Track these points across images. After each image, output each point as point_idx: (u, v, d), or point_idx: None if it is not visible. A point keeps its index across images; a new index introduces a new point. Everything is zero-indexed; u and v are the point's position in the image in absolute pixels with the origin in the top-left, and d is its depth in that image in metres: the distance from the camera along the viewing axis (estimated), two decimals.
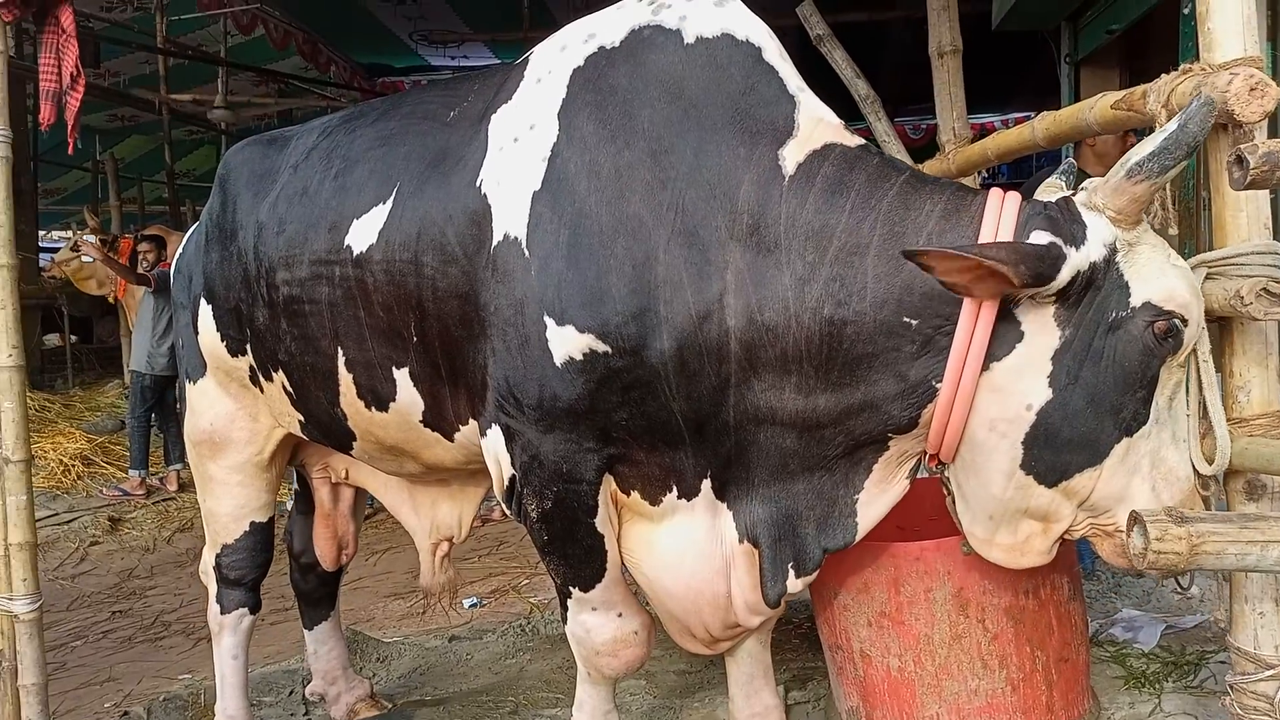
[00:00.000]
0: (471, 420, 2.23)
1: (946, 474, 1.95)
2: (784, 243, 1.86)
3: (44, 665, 3.12)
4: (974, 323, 1.73)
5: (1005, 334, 1.74)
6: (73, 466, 7.49)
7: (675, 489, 2.08)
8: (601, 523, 2.12)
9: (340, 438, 2.59)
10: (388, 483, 2.88)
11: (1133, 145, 1.68)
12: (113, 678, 4.31)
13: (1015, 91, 11.44)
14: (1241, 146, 1.60)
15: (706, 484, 2.07)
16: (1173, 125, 1.61)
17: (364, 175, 2.33)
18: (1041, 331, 1.73)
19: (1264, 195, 1.78)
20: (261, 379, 2.66)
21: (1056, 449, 1.76)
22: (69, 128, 3.10)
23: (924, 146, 10.04)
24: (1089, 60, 6.51)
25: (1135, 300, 1.70)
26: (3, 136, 3.00)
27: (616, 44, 2.05)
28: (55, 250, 11.17)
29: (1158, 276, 1.70)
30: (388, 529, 5.95)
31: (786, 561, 2.07)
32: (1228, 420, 1.77)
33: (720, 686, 2.64)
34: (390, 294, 2.20)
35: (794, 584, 2.08)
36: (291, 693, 3.56)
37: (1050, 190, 1.98)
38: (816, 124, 1.94)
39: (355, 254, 2.26)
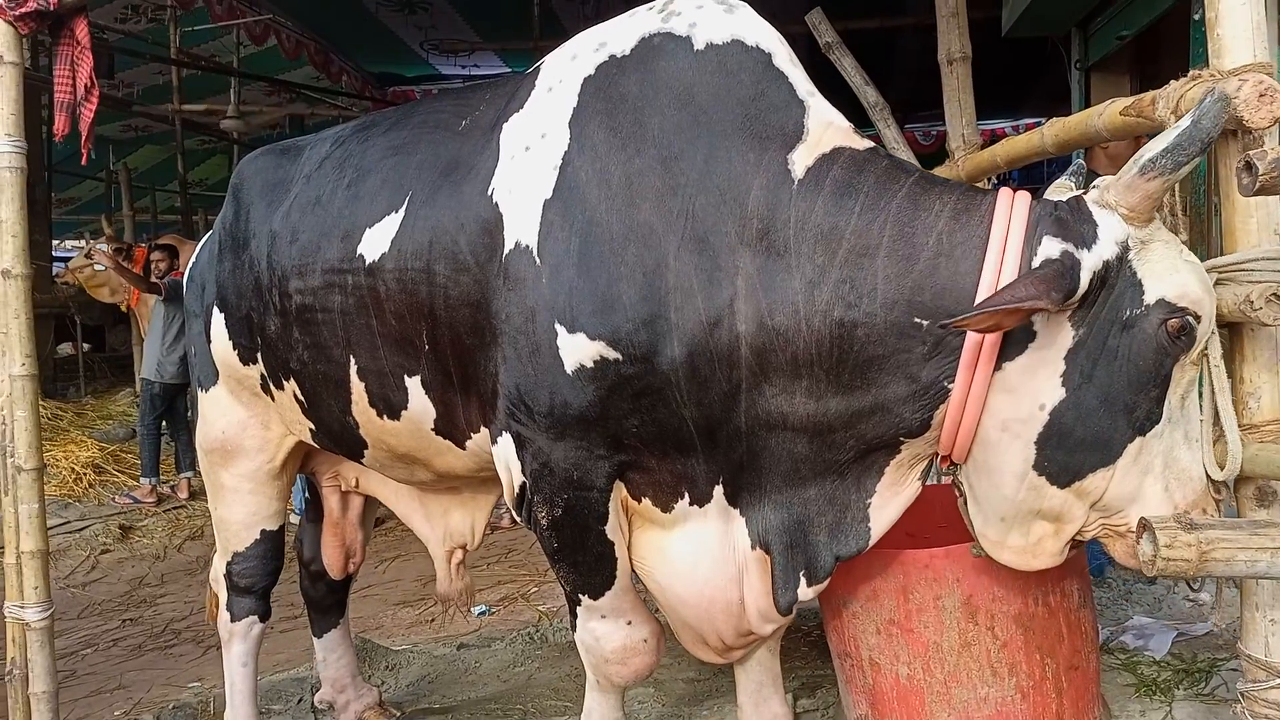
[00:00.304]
0: (483, 428, 2.24)
1: (958, 475, 1.95)
2: (794, 246, 1.86)
3: (55, 673, 3.14)
4: None
5: (1017, 334, 1.73)
6: (84, 474, 7.53)
7: (687, 496, 2.08)
8: (612, 530, 2.12)
9: (351, 446, 2.60)
10: (399, 491, 2.89)
11: (1145, 145, 1.68)
12: (123, 685, 4.33)
13: (1027, 97, 11.43)
14: (1250, 153, 1.61)
15: (718, 490, 2.07)
16: (1186, 121, 1.60)
17: (377, 184, 2.34)
18: (1054, 331, 1.72)
19: (1274, 201, 1.78)
20: (273, 387, 2.68)
21: (1069, 449, 1.75)
22: (83, 138, 3.13)
23: (934, 153, 10.05)
24: (1100, 66, 6.51)
25: (1149, 298, 1.69)
26: (17, 147, 3.03)
27: (627, 52, 2.06)
28: (69, 259, 11.25)
29: (1171, 273, 1.69)
30: (396, 537, 5.96)
31: (798, 569, 2.06)
32: (1238, 426, 1.76)
33: (729, 694, 2.63)
34: (402, 302, 2.21)
35: (805, 592, 2.07)
36: (300, 700, 3.57)
37: (1060, 190, 1.98)
38: (826, 128, 1.94)
39: (368, 262, 2.27)
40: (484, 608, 4.81)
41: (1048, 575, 2.14)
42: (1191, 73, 1.82)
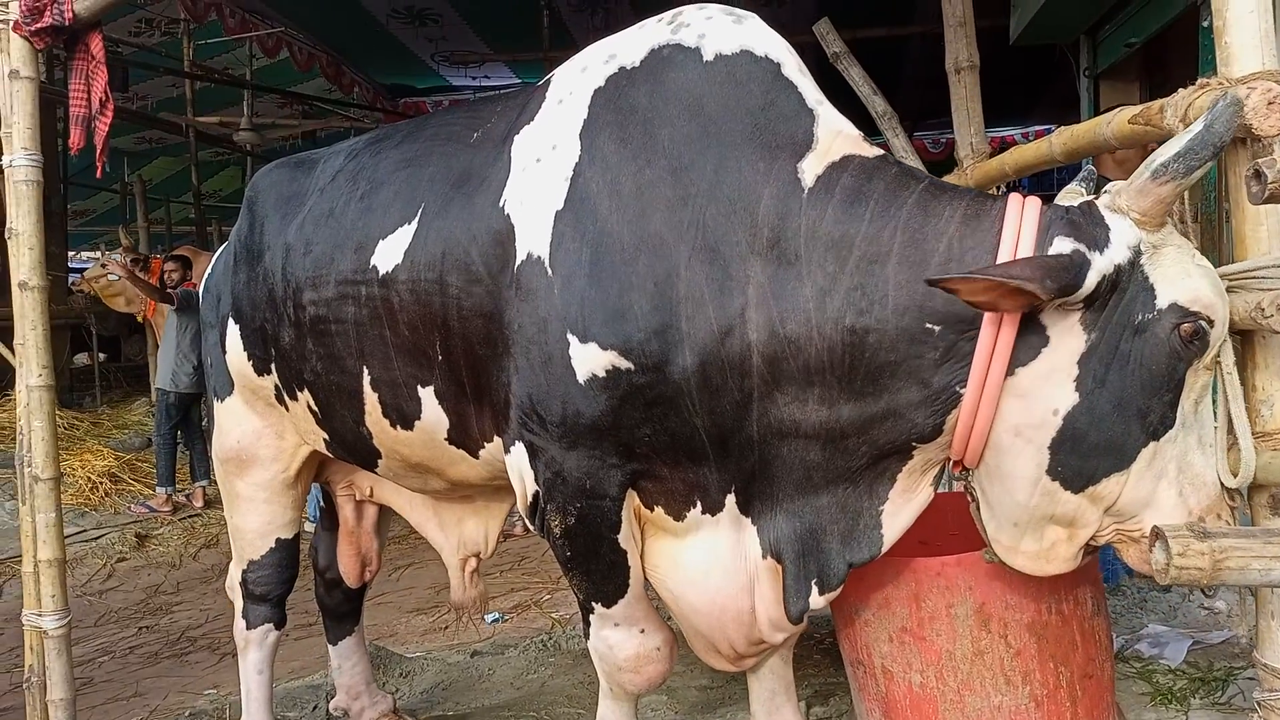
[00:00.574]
0: (496, 437, 2.25)
1: (971, 481, 1.95)
2: (804, 254, 1.86)
3: (72, 680, 3.17)
4: (997, 327, 1.73)
5: (1030, 338, 1.73)
6: (100, 484, 7.59)
7: (699, 504, 2.09)
8: (624, 539, 2.13)
9: (365, 455, 2.62)
10: (413, 500, 2.91)
11: (1154, 150, 1.68)
12: (139, 693, 4.36)
13: (1036, 105, 11.42)
14: (1259, 161, 1.60)
15: (731, 499, 2.07)
16: (1198, 125, 1.60)
17: (389, 196, 2.36)
18: (1067, 335, 1.72)
19: None
20: (287, 398, 2.70)
21: (1083, 454, 1.75)
22: (98, 151, 3.16)
23: (943, 161, 10.04)
24: (1108, 74, 6.50)
25: (1161, 302, 1.69)
26: (33, 161, 3.08)
27: (637, 64, 2.07)
28: (85, 270, 11.35)
29: (1183, 278, 1.69)
30: (410, 545, 5.98)
31: (810, 577, 2.06)
32: (1252, 434, 1.76)
33: (742, 702, 2.64)
34: (415, 313, 2.23)
35: (817, 600, 2.07)
36: (315, 708, 3.58)
37: (1071, 196, 1.98)
38: (835, 136, 1.95)
39: (381, 274, 2.29)
40: (497, 615, 4.83)
41: (1061, 583, 2.14)
42: (1200, 80, 1.82)
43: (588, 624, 2.29)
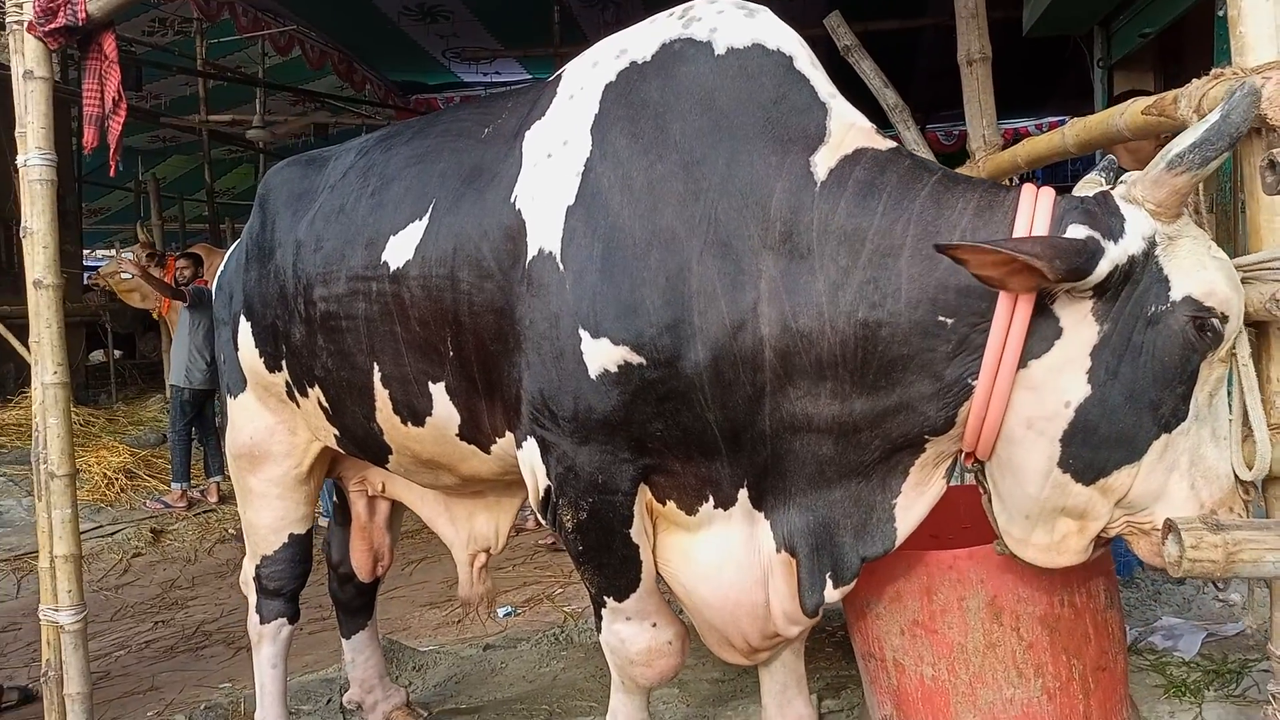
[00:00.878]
0: (508, 433, 2.25)
1: (983, 473, 1.95)
2: (817, 248, 1.86)
3: (88, 675, 3.19)
4: (1009, 319, 1.72)
5: (1043, 330, 1.73)
6: (116, 480, 7.64)
7: (711, 499, 2.09)
8: (637, 533, 2.13)
9: (376, 452, 2.63)
10: (424, 495, 2.92)
11: (1168, 139, 1.67)
12: (155, 687, 4.38)
13: (1049, 96, 11.35)
14: (1274, 151, 1.60)
15: (743, 493, 2.07)
16: (1215, 115, 1.58)
17: (400, 192, 2.37)
18: (1080, 326, 1.71)
19: None
20: (298, 394, 2.71)
21: (1095, 446, 1.74)
22: (111, 150, 3.18)
23: (956, 153, 9.99)
24: (1123, 64, 6.46)
25: (1175, 294, 1.68)
26: (47, 160, 3.10)
27: (648, 58, 2.07)
28: (99, 268, 11.42)
29: (1198, 270, 1.68)
30: (423, 540, 6.00)
31: (824, 571, 2.06)
32: (1267, 426, 1.75)
33: (754, 695, 2.64)
34: (427, 309, 2.24)
35: (831, 594, 2.07)
36: (329, 701, 3.60)
37: (1089, 185, 1.97)
38: (848, 129, 1.94)
39: (392, 270, 2.29)
40: (510, 609, 4.84)
41: (1074, 575, 2.13)
42: (1214, 71, 1.81)
43: (600, 618, 2.30)
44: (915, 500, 1.99)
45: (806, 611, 2.11)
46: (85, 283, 11.40)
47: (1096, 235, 1.66)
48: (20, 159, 3.11)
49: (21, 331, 3.73)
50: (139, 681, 4.46)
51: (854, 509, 2.01)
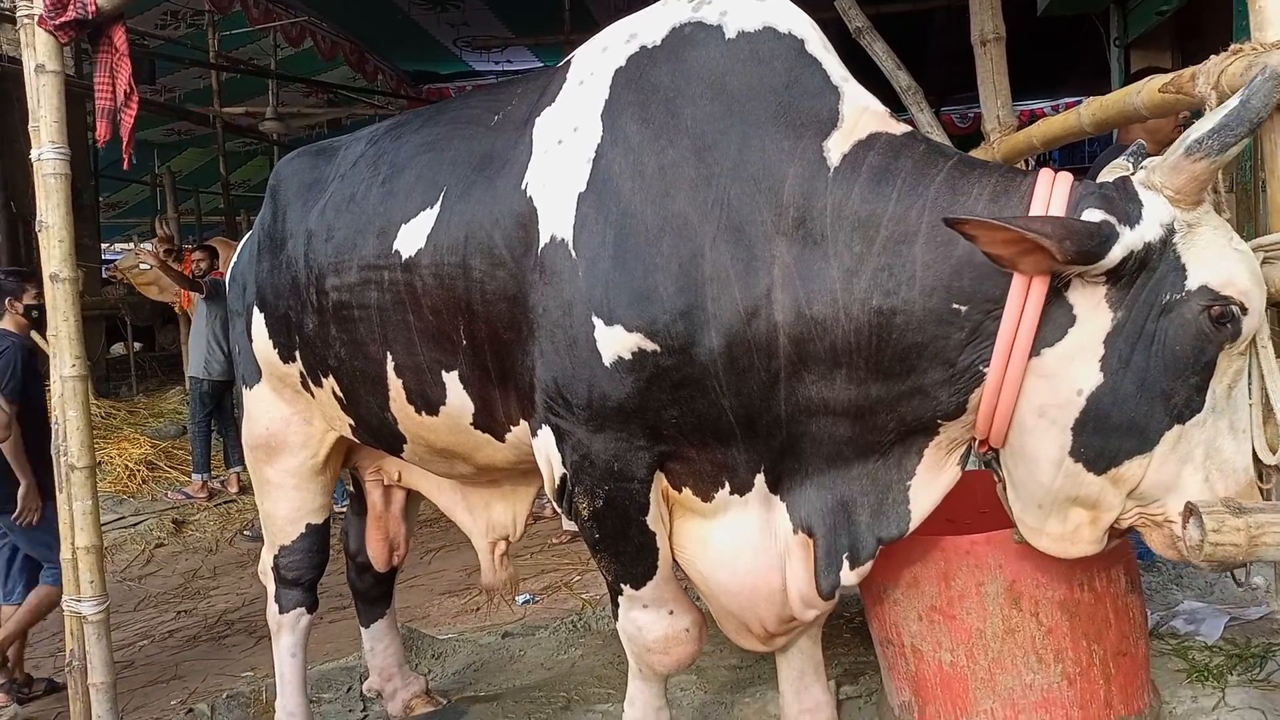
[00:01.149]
0: (522, 421, 2.25)
1: (997, 461, 1.93)
2: (830, 234, 1.85)
3: (112, 664, 3.22)
4: (1021, 306, 1.70)
5: (1056, 317, 1.71)
6: (138, 471, 7.72)
7: (728, 485, 2.08)
8: (653, 520, 2.13)
9: (391, 441, 2.63)
10: (440, 485, 2.92)
11: (1186, 119, 1.64)
12: (178, 675, 4.43)
13: (1065, 76, 11.22)
14: None
15: (759, 479, 2.06)
16: (1235, 101, 1.56)
17: (411, 180, 2.37)
18: (1093, 314, 1.70)
19: None
20: (312, 384, 2.72)
21: (1106, 435, 1.73)
22: (124, 143, 3.18)
23: (971, 135, 9.91)
24: (1139, 43, 6.38)
25: (1191, 283, 1.65)
26: (61, 154, 3.10)
27: (658, 43, 2.05)
28: (117, 260, 11.48)
29: (1216, 260, 1.65)
30: (441, 528, 6.03)
31: (841, 552, 2.06)
32: None
33: (772, 682, 2.64)
34: (439, 298, 2.23)
35: (848, 576, 2.07)
36: (350, 689, 3.63)
37: (1116, 171, 1.95)
38: (862, 113, 1.92)
39: (404, 258, 2.29)
40: (528, 596, 4.86)
41: (1094, 560, 2.11)
42: (1232, 46, 1.77)
43: (616, 605, 2.30)
44: (929, 483, 1.98)
45: (822, 593, 2.10)
46: (104, 276, 11.47)
47: (1111, 220, 1.64)
48: (34, 153, 3.12)
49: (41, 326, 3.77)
50: (162, 670, 4.51)
51: (870, 487, 2.00)
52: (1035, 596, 2.14)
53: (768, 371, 1.92)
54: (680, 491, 2.14)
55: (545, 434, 2.14)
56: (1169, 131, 3.59)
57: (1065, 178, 1.78)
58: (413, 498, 3.19)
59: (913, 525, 2.01)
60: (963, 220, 1.63)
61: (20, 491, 4.17)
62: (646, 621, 2.27)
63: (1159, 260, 1.66)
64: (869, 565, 2.06)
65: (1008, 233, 1.60)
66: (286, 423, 2.88)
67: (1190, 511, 1.62)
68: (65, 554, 3.23)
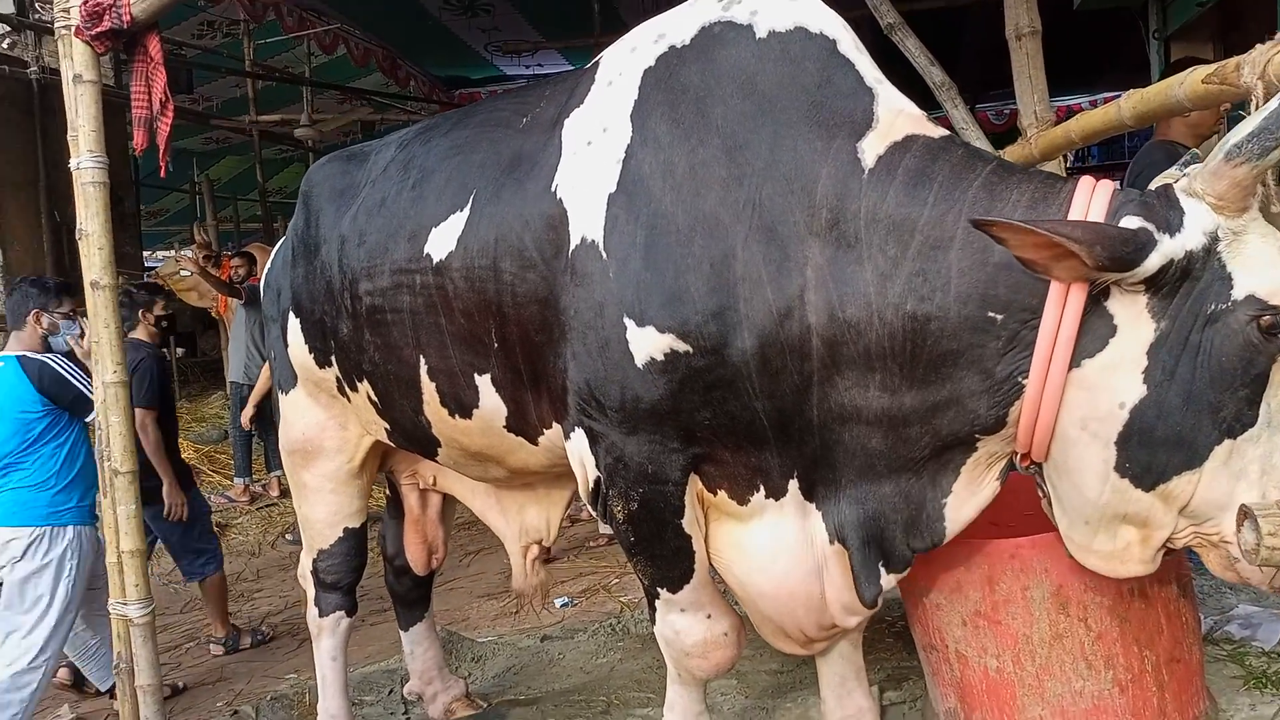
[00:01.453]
0: (555, 424, 2.24)
1: (1041, 475, 1.89)
2: (865, 237, 1.82)
3: (157, 666, 3.25)
4: (1060, 315, 1.67)
5: (1096, 327, 1.67)
6: None
7: (763, 488, 2.06)
8: (689, 523, 2.11)
9: (426, 445, 2.63)
10: (475, 488, 2.93)
11: (1226, 114, 1.59)
12: (223, 678, 4.48)
13: (1103, 71, 11.03)
14: None
15: (793, 484, 2.04)
16: (1275, 103, 1.50)
17: (441, 184, 2.37)
18: (1134, 324, 1.65)
19: None
20: (348, 389, 2.73)
21: (1151, 449, 1.67)
22: (160, 151, 3.22)
23: (1007, 133, 9.76)
24: (1179, 35, 6.25)
25: (1237, 293, 1.60)
26: (99, 163, 3.14)
27: (687, 42, 2.04)
28: (158, 268, 11.66)
29: (1265, 268, 1.60)
30: (479, 531, 6.02)
31: (877, 561, 2.03)
32: None
33: (813, 687, 2.60)
34: (470, 301, 2.23)
35: (887, 581, 2.05)
36: (391, 692, 3.65)
37: (1166, 179, 1.89)
38: (897, 115, 1.90)
39: (435, 262, 2.29)
40: (566, 599, 4.85)
41: None
42: (1279, 35, 1.71)
43: (654, 609, 2.28)
44: (966, 500, 1.94)
45: (865, 603, 2.08)
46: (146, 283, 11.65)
47: (1149, 227, 1.60)
48: (73, 162, 3.15)
49: None
50: (208, 672, 4.56)
51: (903, 505, 1.97)
52: (1084, 601, 2.09)
53: (800, 374, 1.89)
54: (715, 494, 2.11)
55: (578, 436, 2.13)
56: (1211, 125, 3.50)
57: (1107, 185, 1.74)
58: (449, 501, 3.19)
59: (947, 539, 1.97)
60: (990, 222, 1.60)
61: (164, 491, 4.50)
62: (684, 626, 2.25)
63: (1203, 269, 1.61)
64: (907, 569, 2.04)
65: (1036, 236, 1.56)
66: (322, 427, 2.89)
67: (1245, 514, 1.57)
68: (110, 558, 3.27)
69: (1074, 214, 1.70)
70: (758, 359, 1.89)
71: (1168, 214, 1.62)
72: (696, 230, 1.90)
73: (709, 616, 2.25)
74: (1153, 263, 1.58)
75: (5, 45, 9.26)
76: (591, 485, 2.16)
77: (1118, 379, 1.66)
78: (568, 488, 2.75)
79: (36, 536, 3.67)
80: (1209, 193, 1.60)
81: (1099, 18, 6.94)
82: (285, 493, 7.44)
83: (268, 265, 3.12)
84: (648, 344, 1.93)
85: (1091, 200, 1.70)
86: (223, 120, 11.48)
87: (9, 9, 8.78)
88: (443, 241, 2.28)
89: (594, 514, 2.25)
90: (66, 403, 3.77)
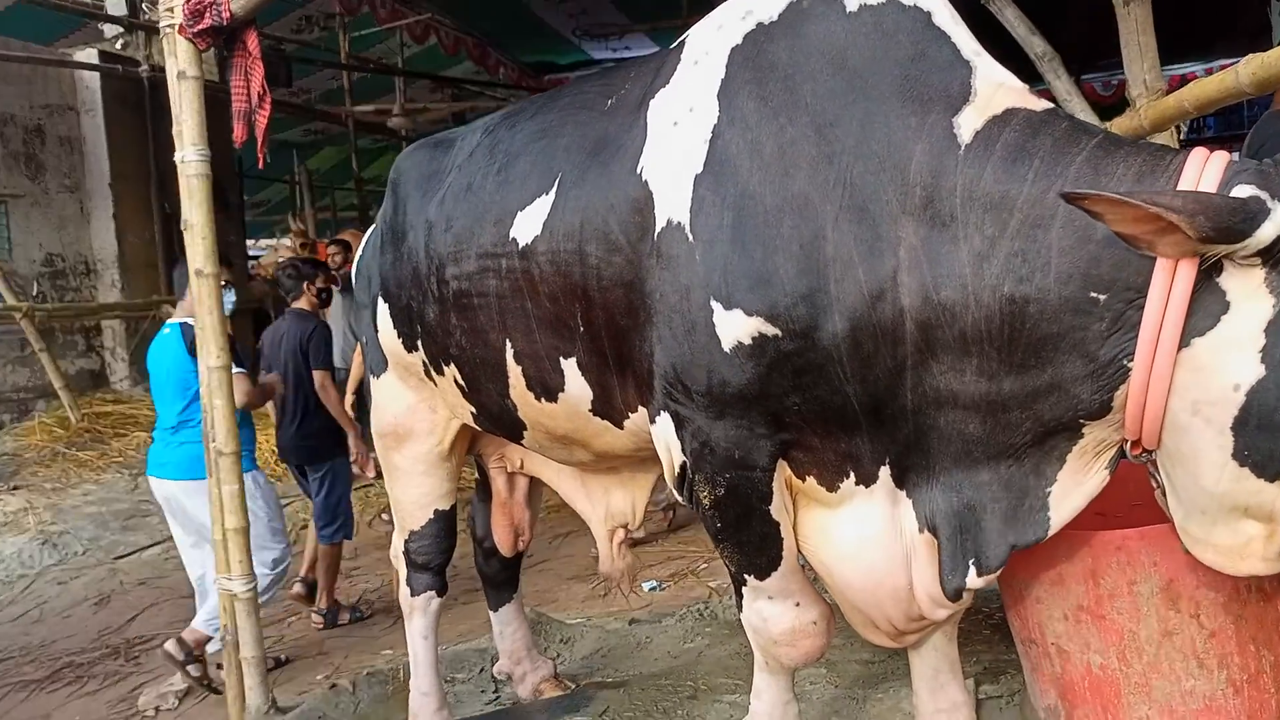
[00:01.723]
0: (640, 408, 2.23)
1: (1153, 463, 1.79)
2: (960, 216, 1.75)
3: (260, 639, 3.38)
4: (1167, 293, 1.57)
5: (1207, 304, 1.56)
6: None
7: (852, 475, 2.01)
8: (776, 510, 2.07)
9: (511, 428, 2.65)
10: (561, 472, 2.94)
11: None
12: (323, 652, 4.63)
13: (1219, 37, 10.44)
14: None
15: (885, 471, 1.98)
16: None
17: (526, 168, 2.37)
18: (1250, 300, 1.54)
19: None
20: (435, 373, 2.77)
21: (1273, 435, 1.55)
22: (259, 143, 3.32)
23: (1115, 104, 9.33)
24: None
25: None
26: (203, 155, 3.26)
27: (775, 18, 1.99)
28: (261, 257, 12.10)
29: None
30: (570, 513, 6.07)
31: (967, 556, 1.95)
32: None
33: (906, 678, 2.54)
34: (556, 284, 2.23)
35: (974, 580, 1.96)
36: (482, 670, 3.71)
37: None
38: (996, 89, 1.82)
39: (520, 246, 2.30)
40: (655, 583, 4.86)
41: None
42: None
43: (740, 596, 2.25)
44: (1072, 490, 1.85)
45: (948, 595, 2.01)
46: (249, 271, 12.11)
47: (1262, 195, 1.49)
48: (178, 156, 3.28)
49: None
50: (308, 646, 4.72)
51: (1003, 493, 1.89)
52: (1196, 598, 1.98)
53: (893, 358, 1.83)
54: (804, 481, 2.07)
55: (664, 421, 2.11)
56: None
57: (1221, 156, 1.63)
58: (536, 484, 3.22)
59: (1051, 532, 1.89)
60: (1083, 195, 1.51)
61: (350, 441, 4.99)
62: (772, 613, 2.21)
63: None
64: (998, 571, 1.95)
65: (1135, 209, 1.47)
66: (413, 410, 2.94)
67: None
68: (216, 535, 3.41)
69: (1183, 185, 1.60)
70: (849, 342, 1.84)
71: None
72: (785, 211, 1.86)
73: (797, 604, 2.21)
74: (1266, 233, 1.47)
75: (118, 45, 9.71)
76: (677, 470, 2.14)
77: (1232, 359, 1.56)
78: (653, 472, 2.74)
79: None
80: None
81: None
82: (381, 474, 7.64)
83: (359, 252, 3.18)
84: (735, 327, 1.89)
85: (1204, 171, 1.60)
86: (321, 111, 11.81)
87: (121, 10, 9.19)
88: (528, 225, 2.29)
89: (679, 499, 2.23)
90: None
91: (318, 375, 4.91)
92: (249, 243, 13.95)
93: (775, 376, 1.91)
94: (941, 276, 1.76)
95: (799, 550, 2.17)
